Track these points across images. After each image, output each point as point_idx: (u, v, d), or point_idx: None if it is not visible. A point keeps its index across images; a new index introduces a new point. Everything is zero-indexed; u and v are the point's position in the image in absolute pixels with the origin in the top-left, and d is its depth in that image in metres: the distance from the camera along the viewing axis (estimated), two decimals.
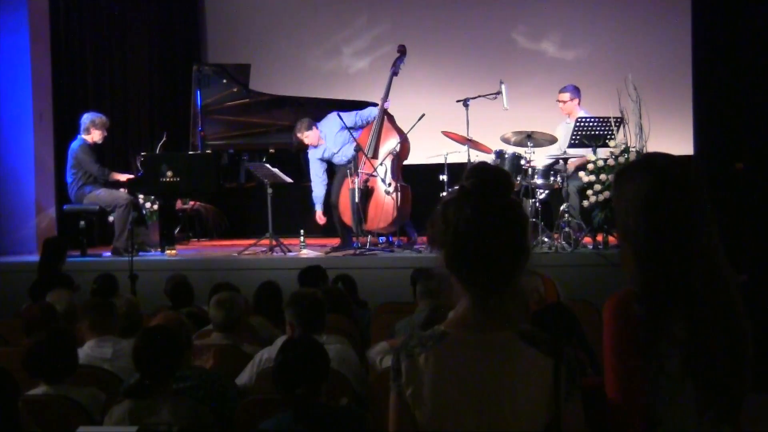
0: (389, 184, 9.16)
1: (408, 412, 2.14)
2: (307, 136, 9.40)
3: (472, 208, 2.11)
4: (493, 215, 2.11)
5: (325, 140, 9.44)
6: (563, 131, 9.04)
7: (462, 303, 2.16)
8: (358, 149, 9.21)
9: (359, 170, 9.07)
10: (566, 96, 9.20)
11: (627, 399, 2.21)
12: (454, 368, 2.10)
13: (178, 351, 3.79)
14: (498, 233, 2.10)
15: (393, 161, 9.19)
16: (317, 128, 9.43)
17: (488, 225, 2.10)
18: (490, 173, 2.17)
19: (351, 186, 9.00)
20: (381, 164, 9.18)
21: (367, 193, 9.15)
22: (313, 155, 9.49)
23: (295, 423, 3.34)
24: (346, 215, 9.20)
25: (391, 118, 9.44)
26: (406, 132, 9.30)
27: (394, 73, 9.45)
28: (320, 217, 9.52)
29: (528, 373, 2.09)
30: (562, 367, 2.10)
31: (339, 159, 9.44)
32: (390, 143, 9.28)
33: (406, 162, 9.56)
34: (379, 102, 9.40)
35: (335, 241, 9.82)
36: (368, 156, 9.15)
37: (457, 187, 2.21)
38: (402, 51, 9.51)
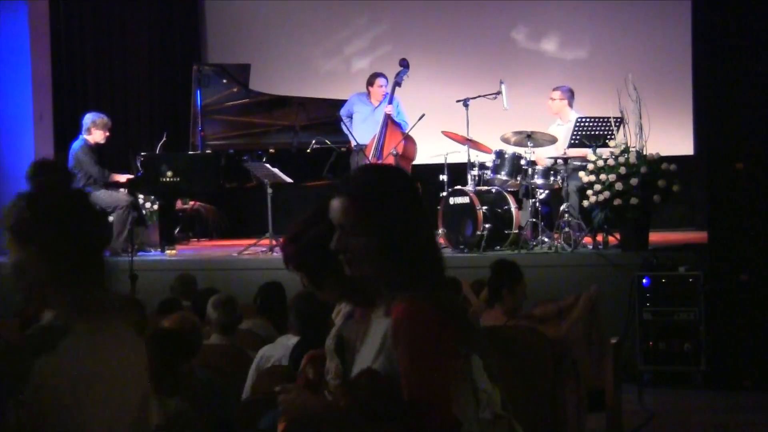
0: None
1: None
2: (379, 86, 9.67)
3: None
4: None
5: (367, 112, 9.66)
6: (560, 132, 9.04)
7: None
8: (359, 148, 9.29)
9: None
10: (556, 94, 9.24)
11: (438, 402, 2.15)
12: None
13: (190, 354, 3.77)
14: None
15: (396, 162, 9.24)
16: (383, 88, 9.66)
17: None
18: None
19: None
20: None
21: None
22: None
23: None
24: None
25: (395, 123, 9.50)
26: (408, 133, 9.36)
27: (397, 84, 9.57)
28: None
29: None
30: None
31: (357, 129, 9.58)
32: (394, 145, 9.32)
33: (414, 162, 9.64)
34: (385, 107, 9.51)
35: None
36: (374, 157, 9.26)
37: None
38: (404, 64, 9.59)
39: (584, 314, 5.41)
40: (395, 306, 2.18)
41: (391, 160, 9.26)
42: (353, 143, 9.58)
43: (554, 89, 9.33)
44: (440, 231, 8.79)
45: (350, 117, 9.78)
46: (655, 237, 8.57)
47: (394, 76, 9.59)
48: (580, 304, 5.46)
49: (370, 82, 9.75)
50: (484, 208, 8.49)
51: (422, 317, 2.15)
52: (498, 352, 4.71)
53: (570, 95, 9.26)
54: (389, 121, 9.45)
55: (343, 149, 9.70)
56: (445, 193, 8.86)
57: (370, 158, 9.32)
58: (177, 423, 3.58)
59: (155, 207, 10.28)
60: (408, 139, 9.39)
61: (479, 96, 9.14)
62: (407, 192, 2.25)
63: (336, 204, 2.20)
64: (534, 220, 8.52)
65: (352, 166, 9.57)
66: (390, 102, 9.52)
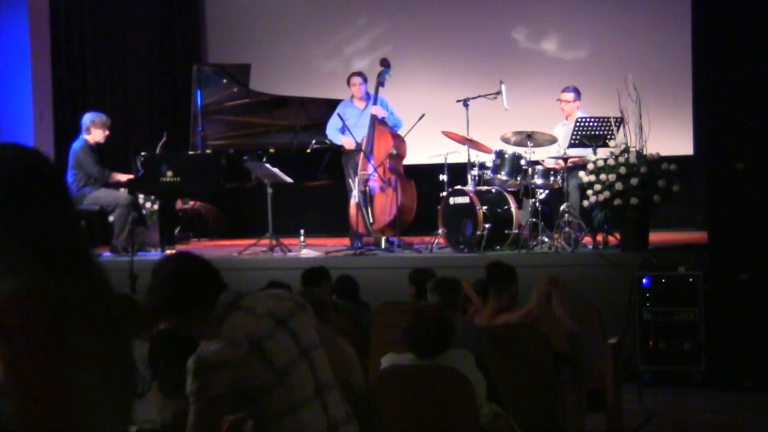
0: (383, 182, 9.29)
1: None
2: (353, 84, 9.62)
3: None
4: None
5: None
6: (562, 132, 9.04)
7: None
8: (359, 149, 9.30)
9: (358, 172, 9.17)
10: (570, 96, 9.19)
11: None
12: None
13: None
14: None
15: (391, 161, 9.25)
16: (361, 86, 9.59)
17: None
18: None
19: (354, 190, 9.19)
20: (379, 165, 9.24)
21: (368, 193, 9.26)
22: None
23: None
24: (352, 218, 9.32)
25: (382, 122, 9.50)
26: (404, 133, 9.37)
27: (380, 84, 9.55)
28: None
29: None
30: None
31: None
32: (384, 145, 9.32)
33: (406, 161, 9.61)
34: (371, 109, 9.49)
35: (335, 241, 9.85)
36: (365, 158, 9.26)
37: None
38: (384, 64, 9.59)
39: (542, 291, 5.39)
40: None
41: (387, 161, 9.29)
42: (346, 145, 9.55)
43: (564, 91, 9.26)
44: (440, 231, 8.81)
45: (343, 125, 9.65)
46: (655, 237, 8.57)
47: (377, 76, 9.56)
48: (538, 284, 5.46)
49: (347, 83, 9.72)
50: (484, 208, 8.49)
51: (26, 309, 1.80)
52: (498, 351, 4.72)
53: (579, 95, 9.25)
54: (376, 122, 9.45)
55: (342, 150, 9.70)
56: (445, 193, 8.86)
57: (360, 160, 9.34)
58: (180, 423, 3.58)
59: (155, 207, 10.28)
60: (396, 138, 9.38)
61: (479, 96, 9.14)
62: (13, 174, 1.95)
63: None
64: (534, 219, 8.52)
65: (344, 167, 9.59)
66: (375, 102, 9.51)
